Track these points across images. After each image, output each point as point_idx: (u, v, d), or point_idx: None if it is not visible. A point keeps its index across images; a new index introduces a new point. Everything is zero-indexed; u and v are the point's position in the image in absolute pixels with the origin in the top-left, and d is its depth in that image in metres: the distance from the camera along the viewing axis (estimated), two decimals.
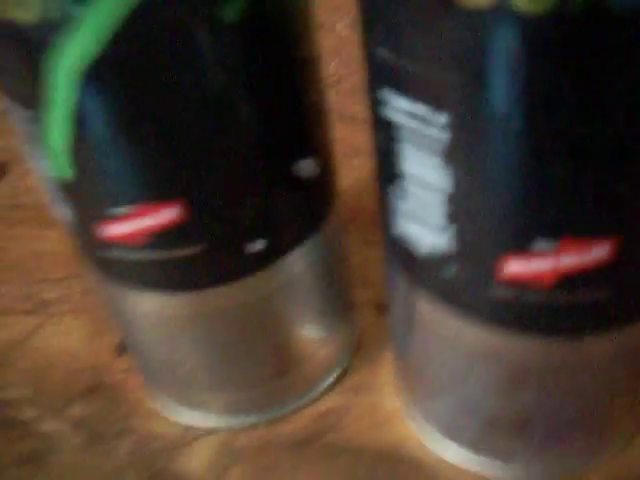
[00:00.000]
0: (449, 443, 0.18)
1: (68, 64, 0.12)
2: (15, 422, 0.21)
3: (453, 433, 0.18)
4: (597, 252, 0.12)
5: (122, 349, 0.23)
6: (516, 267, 0.12)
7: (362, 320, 0.22)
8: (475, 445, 0.18)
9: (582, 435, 0.17)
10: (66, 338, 0.24)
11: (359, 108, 0.25)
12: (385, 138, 0.13)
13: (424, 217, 0.13)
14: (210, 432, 0.20)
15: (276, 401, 0.20)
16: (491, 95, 0.10)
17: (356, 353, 0.22)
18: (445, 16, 0.10)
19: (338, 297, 0.20)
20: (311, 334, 0.19)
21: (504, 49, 0.10)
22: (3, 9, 0.12)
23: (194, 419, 0.20)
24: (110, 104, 0.13)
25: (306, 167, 0.16)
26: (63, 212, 0.16)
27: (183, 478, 0.19)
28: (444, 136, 0.11)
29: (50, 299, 0.26)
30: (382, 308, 0.23)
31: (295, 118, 0.15)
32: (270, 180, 0.15)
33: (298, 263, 0.17)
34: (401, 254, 0.15)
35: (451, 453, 0.18)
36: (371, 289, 0.23)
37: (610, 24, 0.09)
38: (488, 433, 0.17)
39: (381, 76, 0.12)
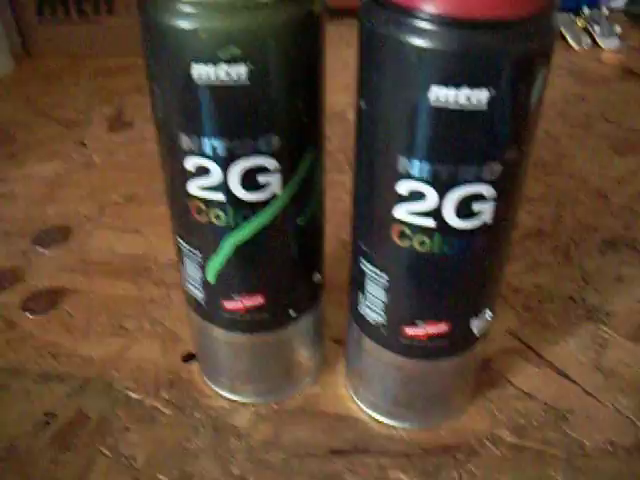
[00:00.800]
0: (374, 410, 0.36)
1: (233, 242, 0.29)
2: (129, 401, 0.37)
3: (376, 405, 0.36)
4: (437, 330, 0.30)
5: (188, 358, 0.40)
6: (411, 332, 0.31)
7: (327, 347, 0.40)
8: (389, 412, 0.36)
9: (440, 405, 0.36)
10: (148, 352, 0.40)
11: None
12: None
13: (372, 306, 0.31)
14: (246, 405, 0.37)
15: (282, 390, 0.38)
16: None
17: (324, 367, 0.39)
18: None
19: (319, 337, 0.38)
20: (302, 358, 0.37)
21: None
22: None
23: (237, 397, 0.37)
24: None
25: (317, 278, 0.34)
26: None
27: (236, 429, 0.36)
28: None
29: (128, 327, 0.42)
30: (339, 341, 0.41)
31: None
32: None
33: (307, 320, 0.35)
34: (358, 321, 0.33)
35: (376, 415, 0.36)
36: (333, 329, 0.41)
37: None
38: (394, 405, 0.35)
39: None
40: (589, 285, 0.45)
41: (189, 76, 0.24)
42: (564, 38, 0.77)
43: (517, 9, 0.22)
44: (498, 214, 0.27)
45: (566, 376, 0.39)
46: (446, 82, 0.23)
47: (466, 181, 0.25)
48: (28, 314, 0.43)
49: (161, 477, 0.34)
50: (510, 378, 0.39)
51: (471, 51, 0.22)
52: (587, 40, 0.76)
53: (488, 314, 0.31)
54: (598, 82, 0.70)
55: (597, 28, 0.76)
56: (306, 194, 0.30)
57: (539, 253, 0.47)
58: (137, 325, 0.42)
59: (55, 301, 0.44)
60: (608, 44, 0.76)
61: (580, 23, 0.77)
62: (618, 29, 0.77)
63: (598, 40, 0.76)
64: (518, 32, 0.22)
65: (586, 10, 0.78)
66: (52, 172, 0.56)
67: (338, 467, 0.34)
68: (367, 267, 0.30)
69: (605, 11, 0.78)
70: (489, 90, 0.23)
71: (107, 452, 0.35)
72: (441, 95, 0.23)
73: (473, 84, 0.23)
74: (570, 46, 0.76)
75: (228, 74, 0.24)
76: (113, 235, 0.49)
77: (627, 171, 0.56)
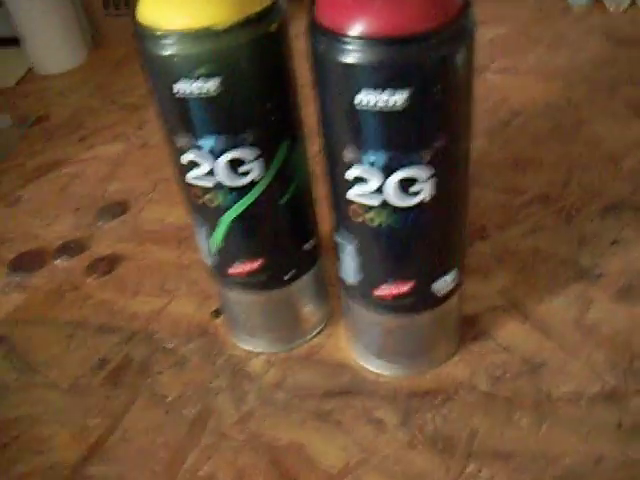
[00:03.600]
0: (365, 360, 0.42)
1: (228, 219, 0.36)
2: (165, 350, 0.45)
3: (366, 355, 0.42)
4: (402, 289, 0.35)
5: (215, 314, 0.47)
6: (378, 293, 0.36)
7: (334, 301, 0.46)
8: (377, 361, 0.41)
9: (422, 355, 0.41)
10: (183, 308, 0.48)
11: None
12: None
13: (346, 270, 0.36)
14: (260, 354, 0.44)
15: (291, 340, 0.44)
16: None
17: (331, 319, 0.45)
18: None
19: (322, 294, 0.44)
20: (308, 311, 0.43)
21: None
22: None
23: (254, 347, 0.44)
24: None
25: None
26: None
27: (250, 373, 0.43)
28: None
29: (169, 288, 0.50)
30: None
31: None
32: None
33: (306, 281, 0.41)
34: (340, 282, 0.38)
35: (368, 363, 0.42)
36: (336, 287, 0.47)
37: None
38: (380, 355, 0.41)
39: None
40: (584, 247, 0.48)
41: (172, 91, 0.31)
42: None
43: (422, 25, 0.27)
44: (437, 191, 0.31)
45: (546, 333, 0.43)
46: (368, 88, 0.28)
47: (402, 166, 0.30)
48: (90, 279, 0.51)
49: (186, 411, 0.41)
50: (493, 334, 0.43)
51: (386, 63, 0.27)
52: (625, 0, 0.75)
53: (449, 276, 0.36)
54: (631, 44, 0.70)
55: None
56: (286, 179, 0.35)
57: (541, 218, 0.50)
58: (176, 286, 0.50)
59: (112, 266, 0.52)
60: None
61: None
62: None
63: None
64: (428, 43, 0.27)
65: None
66: (114, 153, 0.65)
67: (330, 406, 0.40)
68: (338, 238, 0.35)
69: None
70: (408, 92, 0.27)
71: (145, 390, 0.43)
72: (364, 99, 0.28)
73: (392, 89, 0.27)
74: (606, 8, 0.76)
75: (201, 87, 0.30)
76: (163, 208, 0.57)
77: None
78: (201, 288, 0.49)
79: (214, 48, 0.29)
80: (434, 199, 0.31)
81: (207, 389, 0.42)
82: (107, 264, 0.52)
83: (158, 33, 0.30)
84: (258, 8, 0.30)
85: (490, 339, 0.43)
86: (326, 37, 0.28)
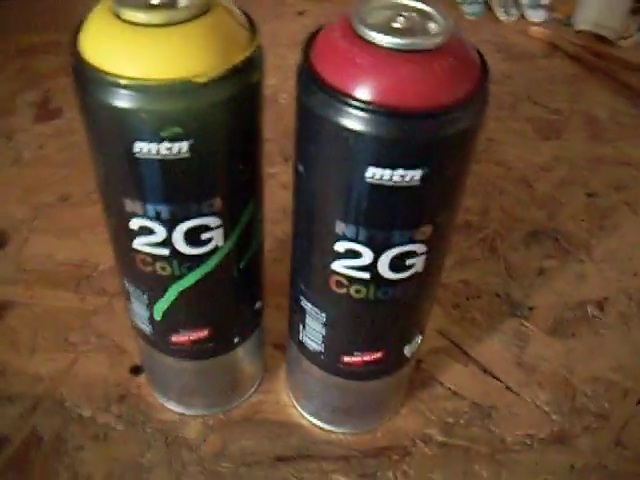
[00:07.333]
0: (315, 417, 0.39)
1: (178, 288, 0.31)
2: (82, 419, 0.39)
3: (316, 412, 0.39)
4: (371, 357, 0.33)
5: (135, 372, 0.41)
6: (348, 360, 0.33)
7: (267, 354, 0.42)
8: (328, 418, 0.39)
9: (375, 410, 0.39)
10: (96, 366, 0.41)
11: None
12: None
13: (311, 337, 0.33)
14: (195, 417, 0.39)
15: (229, 401, 0.40)
16: None
17: (265, 373, 0.42)
18: None
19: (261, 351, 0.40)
20: (246, 373, 0.39)
21: None
22: None
23: (187, 410, 0.39)
24: None
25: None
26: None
27: (187, 441, 0.38)
28: None
29: (74, 341, 0.43)
30: (279, 346, 0.43)
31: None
32: None
33: (250, 342, 0.37)
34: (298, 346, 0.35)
35: (316, 421, 0.39)
36: (273, 334, 0.43)
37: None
38: (332, 413, 0.38)
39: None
40: (513, 280, 0.48)
41: (131, 150, 0.25)
42: (490, 8, 0.78)
43: (447, 99, 0.24)
44: (429, 263, 0.29)
45: (490, 373, 0.42)
46: (382, 164, 0.24)
47: (400, 243, 0.27)
48: None
49: None
50: (439, 377, 0.42)
51: (406, 138, 0.24)
52: (514, 11, 0.77)
53: (419, 338, 0.34)
54: (524, 58, 0.72)
55: None
56: (247, 241, 0.31)
57: (467, 247, 0.50)
58: (83, 339, 0.43)
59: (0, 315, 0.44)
60: (534, 16, 0.77)
61: None
62: None
63: (525, 11, 0.77)
64: (451, 118, 0.24)
65: None
66: None
67: (284, 473, 0.37)
68: (307, 305, 0.32)
69: None
70: (422, 169, 0.24)
71: (64, 472, 0.36)
72: (377, 174, 0.24)
73: (408, 166, 0.24)
74: (497, 18, 0.78)
75: (169, 149, 0.25)
76: (51, 240, 0.49)
77: (551, 157, 0.59)
78: (113, 341, 0.43)
79: (191, 105, 0.24)
80: (425, 270, 0.29)
81: (139, 465, 0.37)
82: None
83: (116, 80, 0.23)
84: (244, 55, 0.25)
85: (437, 384, 0.42)
86: (327, 95, 0.24)
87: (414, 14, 0.25)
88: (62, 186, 0.53)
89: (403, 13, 0.25)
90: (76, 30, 0.25)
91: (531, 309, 0.46)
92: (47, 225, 0.50)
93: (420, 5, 0.26)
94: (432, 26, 0.25)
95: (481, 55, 0.26)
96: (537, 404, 0.41)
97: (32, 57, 0.68)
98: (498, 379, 0.42)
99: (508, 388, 0.42)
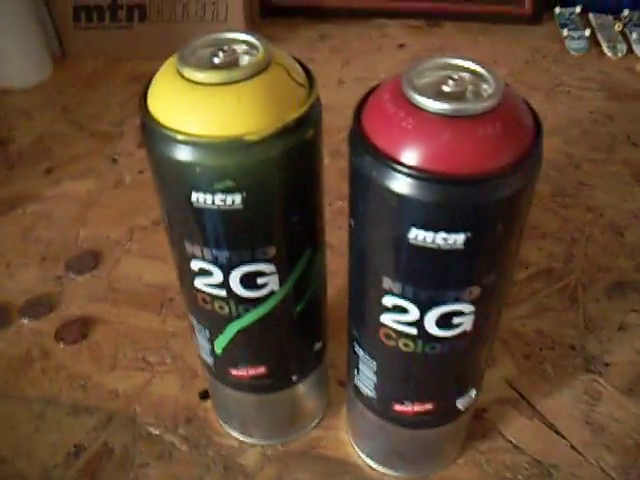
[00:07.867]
0: (370, 458, 0.39)
1: (236, 327, 0.32)
2: (150, 437, 0.41)
3: (371, 453, 0.39)
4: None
5: (203, 396, 0.43)
6: (399, 408, 0.33)
7: (332, 390, 0.43)
8: (383, 460, 0.39)
9: (430, 458, 0.38)
10: (168, 387, 0.44)
11: None
12: None
13: (364, 382, 0.34)
14: (254, 445, 0.41)
15: (288, 433, 0.41)
16: None
17: (328, 409, 0.42)
18: None
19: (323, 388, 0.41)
20: (306, 409, 0.40)
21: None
22: None
23: (246, 439, 0.41)
24: None
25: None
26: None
27: (244, 468, 0.40)
28: None
29: (151, 361, 0.46)
30: (343, 384, 0.43)
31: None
32: None
33: (310, 380, 0.38)
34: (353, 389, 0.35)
35: (371, 462, 0.39)
36: (338, 370, 0.44)
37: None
38: (387, 456, 0.38)
39: None
40: (591, 333, 0.46)
41: (189, 199, 0.27)
42: (599, 44, 0.75)
43: (495, 164, 0.24)
44: (478, 323, 0.28)
45: (556, 430, 0.41)
46: (425, 227, 0.24)
47: (446, 302, 0.27)
48: (62, 344, 0.46)
49: None
50: (501, 429, 0.41)
51: (450, 203, 0.24)
52: (623, 47, 0.74)
53: (473, 392, 0.34)
54: (628, 97, 0.69)
55: (635, 34, 0.73)
56: (304, 286, 0.32)
57: (545, 296, 0.49)
58: (159, 359, 0.45)
59: (85, 331, 0.47)
60: None
61: (617, 27, 0.75)
62: None
63: (634, 47, 0.74)
64: (495, 184, 0.24)
65: (626, 12, 0.76)
66: (84, 191, 0.59)
67: None
68: (359, 351, 0.32)
69: None
70: (466, 234, 0.24)
71: None
72: (420, 236, 0.25)
73: (450, 229, 0.24)
74: (604, 54, 0.75)
75: (223, 201, 0.26)
76: (141, 262, 0.52)
77: None
78: (187, 364, 0.45)
79: (242, 161, 0.26)
80: (474, 329, 0.29)
81: None
82: (79, 327, 0.48)
83: (174, 135, 0.25)
84: (296, 114, 0.26)
85: (499, 435, 0.41)
86: (374, 156, 0.25)
87: (466, 74, 0.25)
88: (156, 210, 0.56)
89: (454, 75, 0.25)
90: (146, 85, 0.27)
91: (607, 365, 0.44)
92: (139, 247, 0.54)
93: (473, 66, 0.26)
94: (484, 87, 0.25)
95: (535, 114, 0.26)
96: (603, 468, 0.39)
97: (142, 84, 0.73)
98: (563, 436, 0.40)
99: (573, 447, 0.40)
